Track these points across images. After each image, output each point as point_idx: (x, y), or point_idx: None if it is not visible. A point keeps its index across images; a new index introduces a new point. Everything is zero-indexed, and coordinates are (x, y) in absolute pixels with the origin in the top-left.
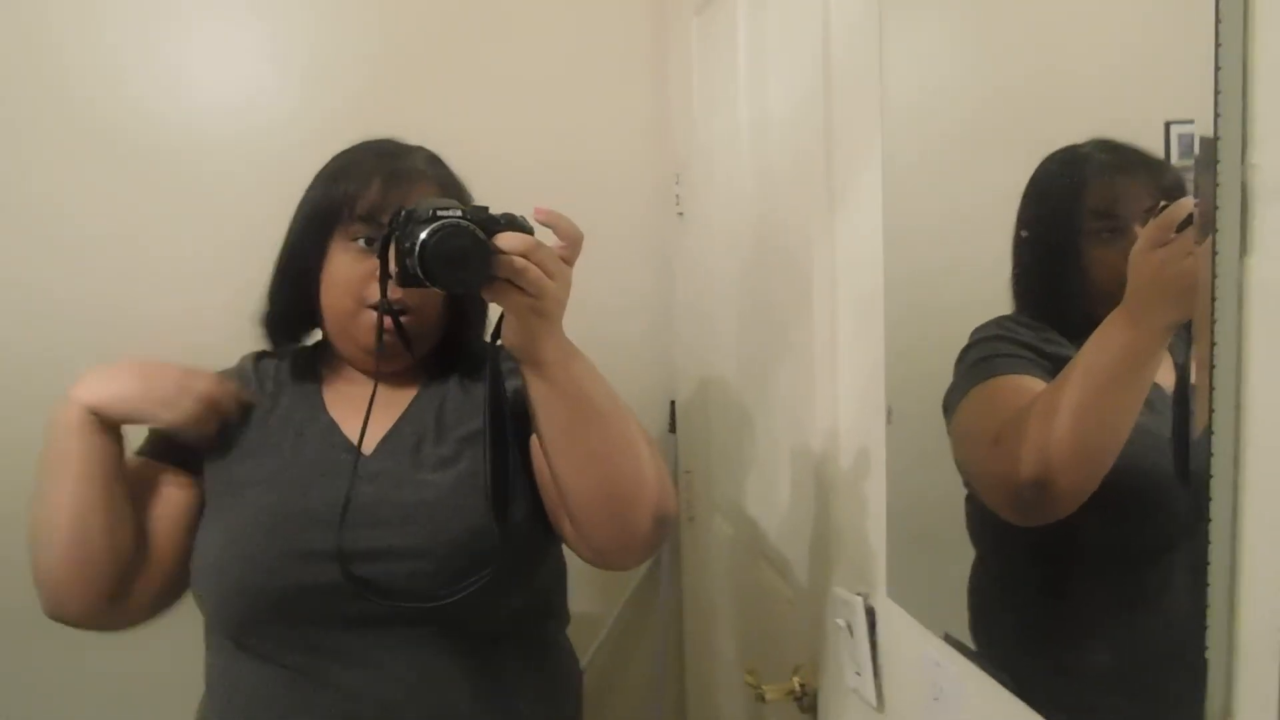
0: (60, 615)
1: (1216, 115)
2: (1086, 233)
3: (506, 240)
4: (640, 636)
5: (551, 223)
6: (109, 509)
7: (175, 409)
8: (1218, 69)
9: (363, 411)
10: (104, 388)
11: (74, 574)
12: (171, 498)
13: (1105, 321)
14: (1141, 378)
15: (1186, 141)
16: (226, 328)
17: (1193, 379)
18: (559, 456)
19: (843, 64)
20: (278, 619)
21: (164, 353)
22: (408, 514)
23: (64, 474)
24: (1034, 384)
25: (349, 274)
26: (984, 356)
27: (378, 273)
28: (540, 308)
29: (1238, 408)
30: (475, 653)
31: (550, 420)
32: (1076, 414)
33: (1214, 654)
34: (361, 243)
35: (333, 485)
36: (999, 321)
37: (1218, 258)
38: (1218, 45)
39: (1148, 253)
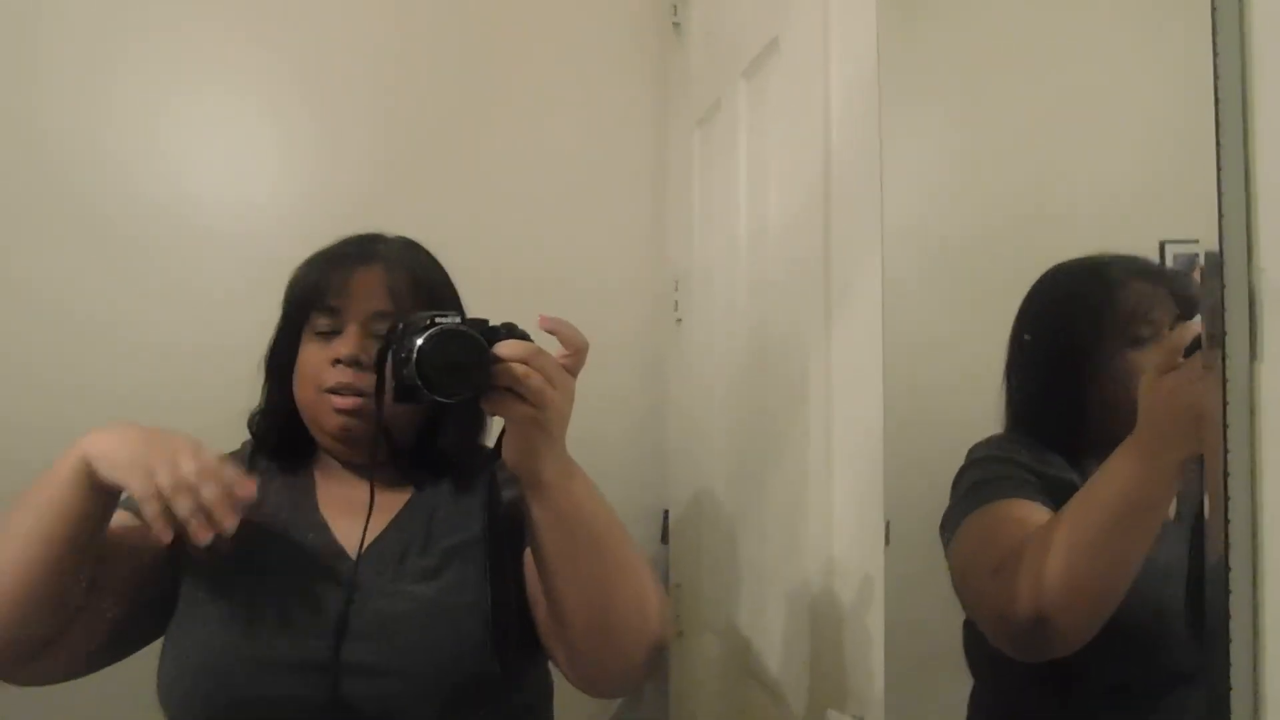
0: None
1: (1220, 220)
2: (1114, 340)
3: (507, 348)
4: None
5: (556, 330)
6: (63, 570)
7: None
8: (1220, 175)
9: (354, 513)
10: (103, 442)
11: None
12: (135, 564)
13: (1114, 454)
14: (1154, 515)
15: (1183, 261)
16: (221, 421)
17: (1207, 511)
18: (555, 580)
19: (843, 176)
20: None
21: None
22: (384, 627)
23: (36, 520)
24: (1035, 510)
25: (310, 361)
26: (982, 479)
27: (333, 359)
28: (542, 419)
29: (1254, 537)
30: None
31: (549, 544)
32: (1083, 552)
33: None
34: (323, 331)
35: (316, 592)
36: (997, 441)
37: (1228, 367)
38: (1219, 149)
39: (1157, 380)
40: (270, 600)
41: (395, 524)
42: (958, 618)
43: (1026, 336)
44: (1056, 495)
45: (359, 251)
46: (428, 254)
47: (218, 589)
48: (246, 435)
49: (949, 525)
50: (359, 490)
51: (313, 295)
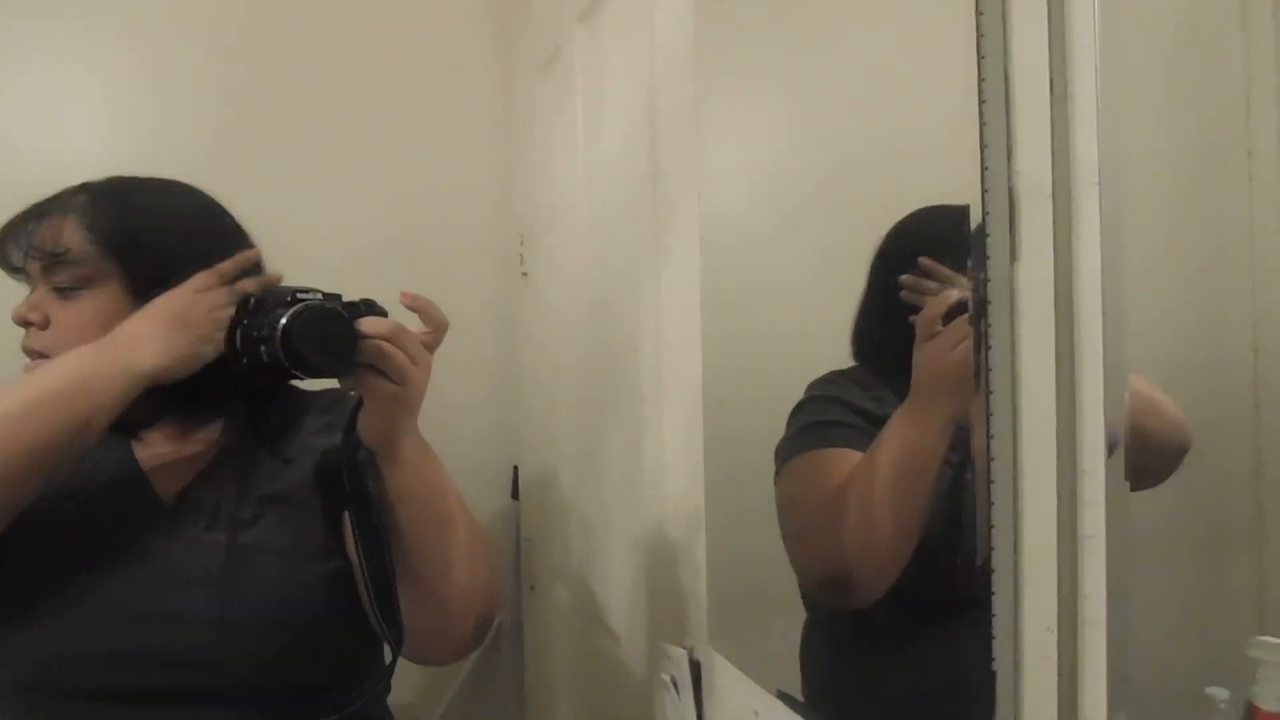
0: None
1: (983, 125)
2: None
3: (371, 324)
4: (481, 711)
5: (418, 307)
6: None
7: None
8: (982, 86)
9: (171, 463)
10: (160, 352)
11: None
12: None
13: (892, 418)
14: (927, 472)
15: None
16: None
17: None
18: (397, 553)
19: (668, 122)
20: (48, 691)
21: None
22: (195, 577)
23: (56, 424)
24: (854, 460)
25: None
26: (812, 421)
27: (22, 320)
28: (403, 396)
29: (1015, 473)
30: None
31: (397, 517)
32: (869, 515)
33: (1000, 664)
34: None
35: (134, 543)
36: (833, 379)
37: (991, 332)
38: (980, 58)
39: (920, 347)
40: (87, 553)
41: (208, 473)
42: (776, 559)
43: (874, 276)
44: None
45: (30, 210)
46: (136, 192)
47: (34, 545)
48: None
49: (780, 458)
50: (174, 441)
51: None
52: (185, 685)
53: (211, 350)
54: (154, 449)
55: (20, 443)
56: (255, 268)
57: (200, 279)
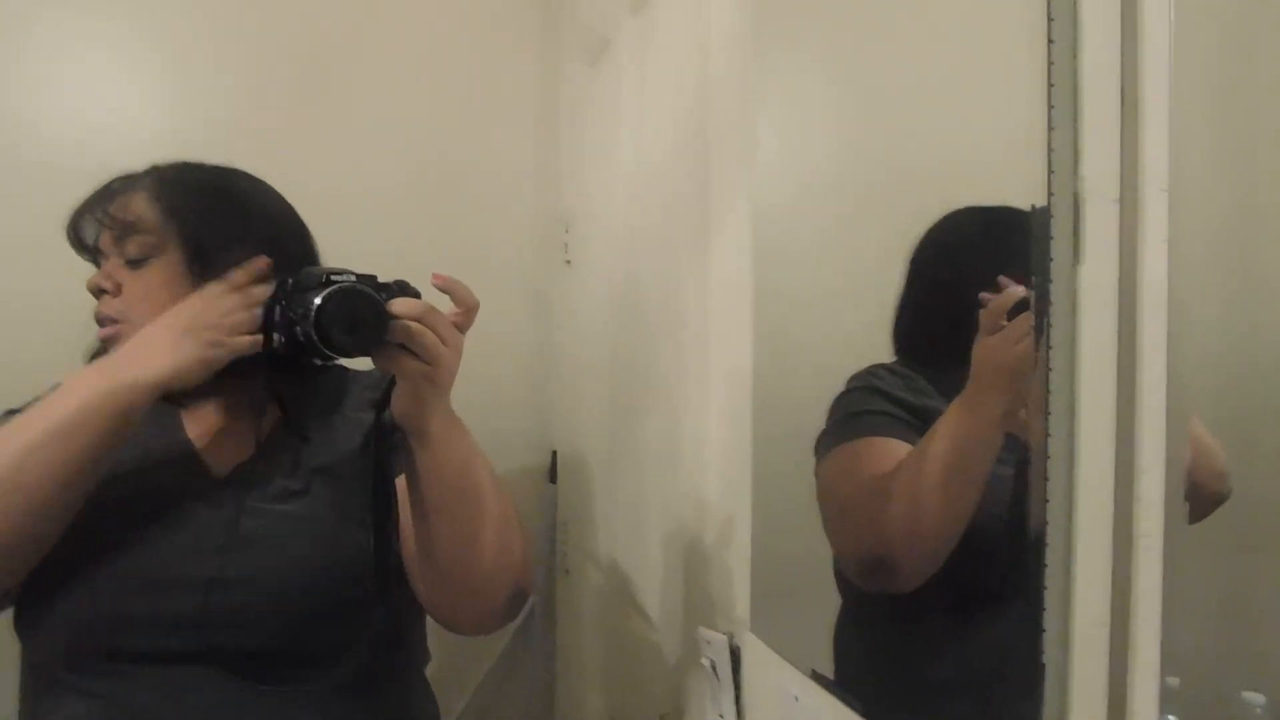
0: None
1: (1050, 130)
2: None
3: (401, 305)
4: (512, 692)
5: (449, 289)
6: (76, 501)
7: (240, 329)
8: (1051, 85)
9: (221, 437)
10: (167, 359)
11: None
12: None
13: (948, 410)
14: (981, 463)
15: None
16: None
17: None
18: (429, 526)
19: (719, 116)
20: (96, 652)
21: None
22: (250, 543)
23: (76, 450)
24: (897, 448)
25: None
26: (854, 411)
27: (96, 289)
28: (433, 375)
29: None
30: (312, 696)
31: (428, 492)
32: (918, 501)
33: (1050, 658)
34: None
35: (184, 513)
36: (874, 371)
37: (1052, 331)
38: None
39: (983, 340)
40: (138, 523)
41: (264, 449)
42: (820, 548)
43: (918, 273)
44: (925, 426)
45: (104, 188)
46: (199, 171)
47: (85, 515)
48: None
49: (820, 449)
50: (223, 415)
51: (72, 244)
52: (179, 647)
53: (224, 354)
54: (206, 425)
55: (46, 472)
56: (268, 274)
57: (212, 288)
